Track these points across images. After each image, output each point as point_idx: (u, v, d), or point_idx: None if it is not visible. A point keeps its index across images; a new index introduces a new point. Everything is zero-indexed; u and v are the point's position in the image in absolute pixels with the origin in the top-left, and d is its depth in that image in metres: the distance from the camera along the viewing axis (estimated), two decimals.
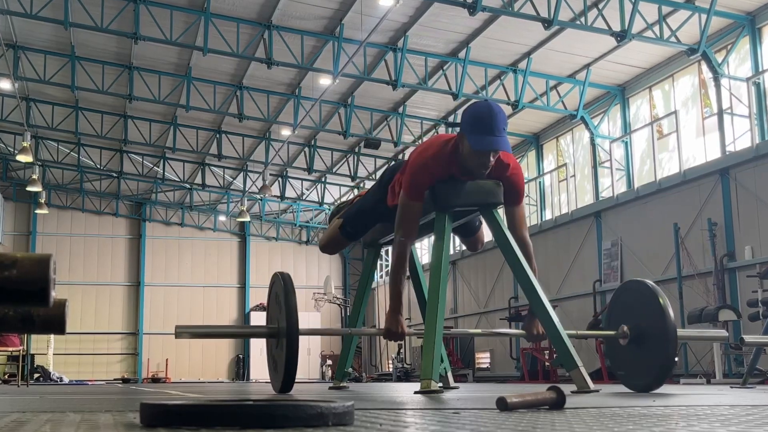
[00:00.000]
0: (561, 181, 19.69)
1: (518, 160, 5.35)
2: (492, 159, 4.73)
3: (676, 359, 5.09)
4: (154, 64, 19.12)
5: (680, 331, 5.07)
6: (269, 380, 5.44)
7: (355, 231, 5.84)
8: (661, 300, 5.00)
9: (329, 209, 27.12)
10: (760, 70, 13.79)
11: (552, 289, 18.14)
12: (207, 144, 23.87)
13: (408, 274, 6.18)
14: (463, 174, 4.84)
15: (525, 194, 5.38)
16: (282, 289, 4.80)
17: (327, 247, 6.07)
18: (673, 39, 14.03)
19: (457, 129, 4.84)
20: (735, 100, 14.18)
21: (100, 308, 29.76)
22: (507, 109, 17.12)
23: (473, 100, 16.84)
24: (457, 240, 6.01)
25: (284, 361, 4.63)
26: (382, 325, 4.97)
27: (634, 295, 5.29)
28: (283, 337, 4.66)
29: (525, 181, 5.14)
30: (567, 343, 4.79)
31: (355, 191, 26.50)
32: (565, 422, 2.06)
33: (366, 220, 5.73)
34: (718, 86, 14.34)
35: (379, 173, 22.21)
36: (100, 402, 4.12)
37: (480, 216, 5.39)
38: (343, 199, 26.94)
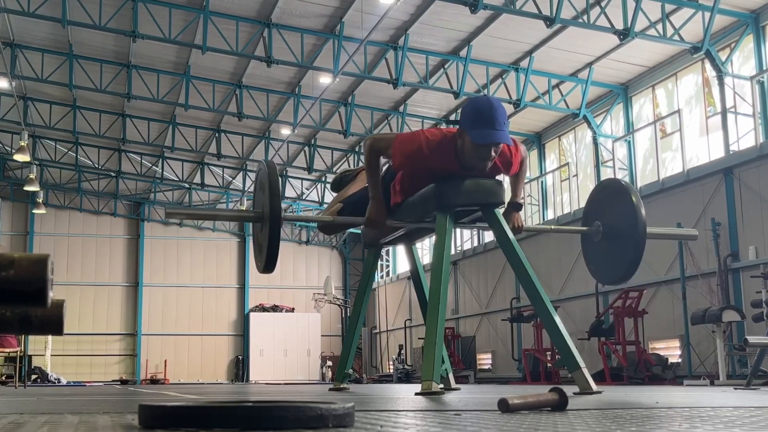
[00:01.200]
0: (563, 181, 19.68)
1: None
2: (494, 153, 4.73)
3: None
4: (152, 62, 19.12)
5: (650, 229, 5.27)
6: (269, 381, 5.47)
7: None
8: (633, 198, 5.20)
9: None
10: (764, 68, 13.78)
11: (554, 289, 18.13)
12: (206, 143, 23.87)
13: (409, 275, 6.19)
14: (463, 169, 4.84)
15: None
16: (266, 174, 4.94)
17: (324, 228, 6.31)
18: (676, 37, 14.03)
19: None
20: (739, 99, 14.17)
21: (98, 309, 29.76)
22: (509, 108, 17.11)
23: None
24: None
25: (266, 242, 4.85)
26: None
27: (610, 194, 5.50)
28: (267, 220, 4.84)
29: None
30: (569, 344, 4.79)
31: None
32: (568, 424, 2.06)
33: (364, 211, 5.73)
34: (721, 85, 14.34)
35: None
36: (98, 403, 4.12)
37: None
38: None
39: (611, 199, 5.42)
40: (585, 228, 5.53)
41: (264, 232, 4.95)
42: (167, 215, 5.16)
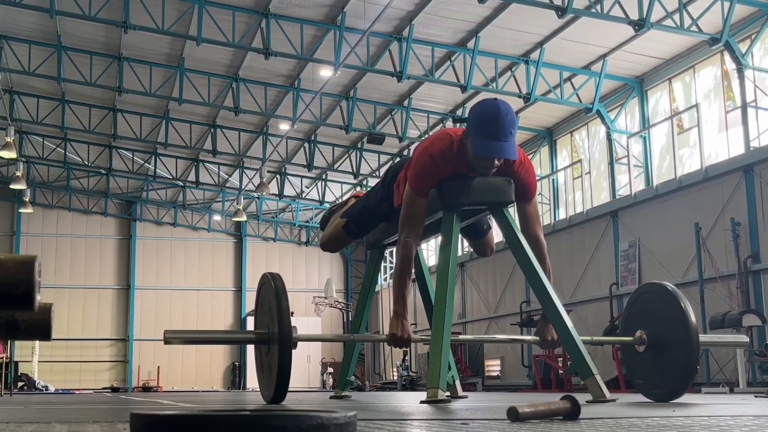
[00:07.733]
0: (575, 179, 19.68)
1: (530, 156, 5.39)
2: (496, 163, 4.73)
3: (698, 367, 5.05)
4: (145, 54, 19.14)
5: (702, 337, 5.02)
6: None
7: (359, 230, 5.89)
8: (681, 303, 4.96)
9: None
10: None
11: (566, 292, 18.13)
12: (201, 139, 23.89)
13: (414, 277, 6.19)
14: (470, 171, 4.85)
15: (537, 192, 5.34)
16: (273, 290, 4.67)
17: (329, 245, 6.16)
18: (694, 28, 14.00)
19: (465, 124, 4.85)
20: (759, 93, 14.16)
21: (87, 313, 29.81)
22: (518, 103, 17.12)
23: (482, 95, 16.86)
24: (466, 241, 6.02)
25: (276, 369, 4.50)
26: (386, 331, 4.96)
27: (653, 299, 5.25)
28: (275, 343, 4.53)
29: (537, 178, 5.13)
30: (582, 350, 4.77)
31: (358, 189, 26.50)
32: None
33: (370, 218, 5.77)
34: (741, 78, 14.32)
35: (382, 170, 22.21)
36: (88, 412, 4.13)
37: (489, 218, 5.39)
38: (345, 197, 26.96)
39: (655, 305, 5.18)
40: (628, 338, 5.26)
41: (272, 356, 4.60)
42: (165, 341, 4.61)
